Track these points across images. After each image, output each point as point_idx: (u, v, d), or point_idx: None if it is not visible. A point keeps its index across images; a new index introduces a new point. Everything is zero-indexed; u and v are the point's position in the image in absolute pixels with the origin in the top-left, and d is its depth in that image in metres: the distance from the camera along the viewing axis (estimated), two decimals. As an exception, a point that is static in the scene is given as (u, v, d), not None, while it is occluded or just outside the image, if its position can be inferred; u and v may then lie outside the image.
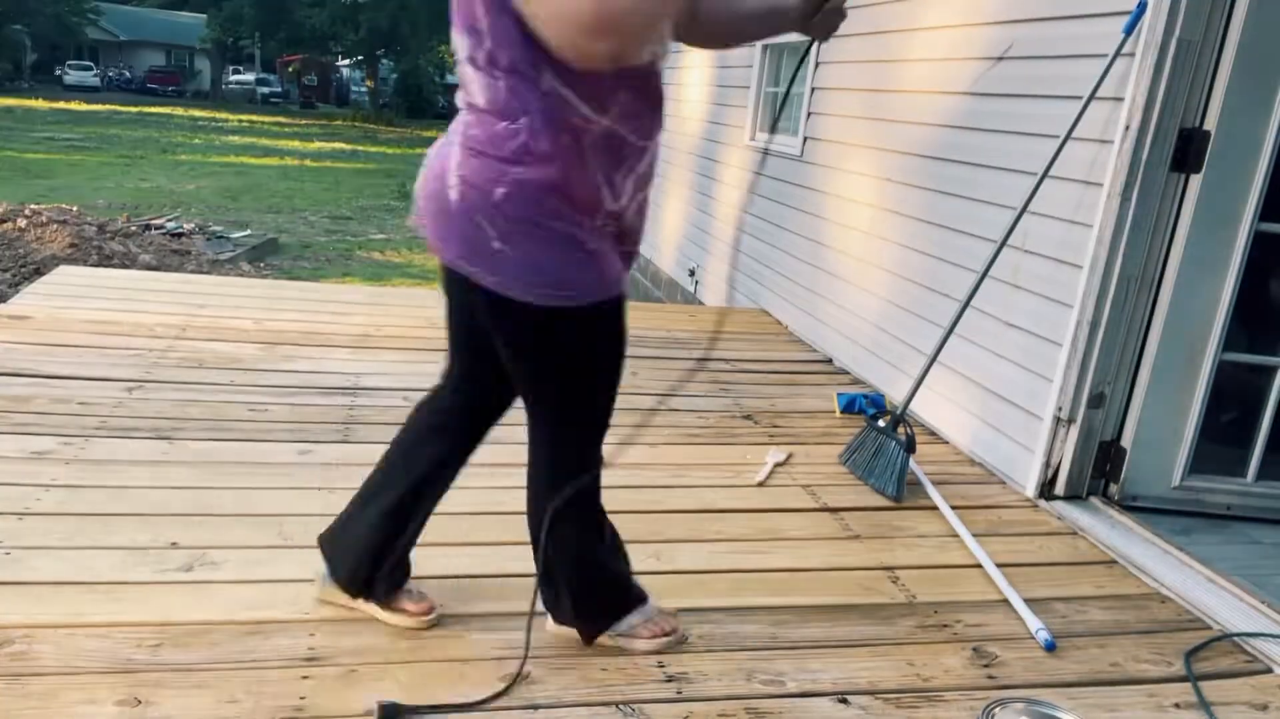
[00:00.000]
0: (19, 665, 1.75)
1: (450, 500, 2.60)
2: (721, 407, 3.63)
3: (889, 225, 3.96)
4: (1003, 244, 3.02)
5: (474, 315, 1.76)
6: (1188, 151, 2.63)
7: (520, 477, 2.78)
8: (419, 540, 2.35)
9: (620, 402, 3.50)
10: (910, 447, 2.89)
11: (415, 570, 2.20)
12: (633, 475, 2.90)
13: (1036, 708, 1.86)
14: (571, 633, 1.98)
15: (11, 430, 2.80)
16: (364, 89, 46.14)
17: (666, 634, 2.01)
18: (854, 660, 2.01)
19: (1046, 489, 2.94)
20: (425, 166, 1.77)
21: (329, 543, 2.02)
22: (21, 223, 8.78)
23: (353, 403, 3.29)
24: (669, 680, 1.88)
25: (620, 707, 1.79)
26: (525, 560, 2.31)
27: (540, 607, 1.97)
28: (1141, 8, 2.62)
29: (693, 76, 6.82)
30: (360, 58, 43.15)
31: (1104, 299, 2.74)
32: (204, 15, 42.48)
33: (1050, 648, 2.11)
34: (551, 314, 1.64)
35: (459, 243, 1.67)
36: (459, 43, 1.60)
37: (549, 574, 1.92)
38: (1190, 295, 2.72)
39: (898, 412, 3.06)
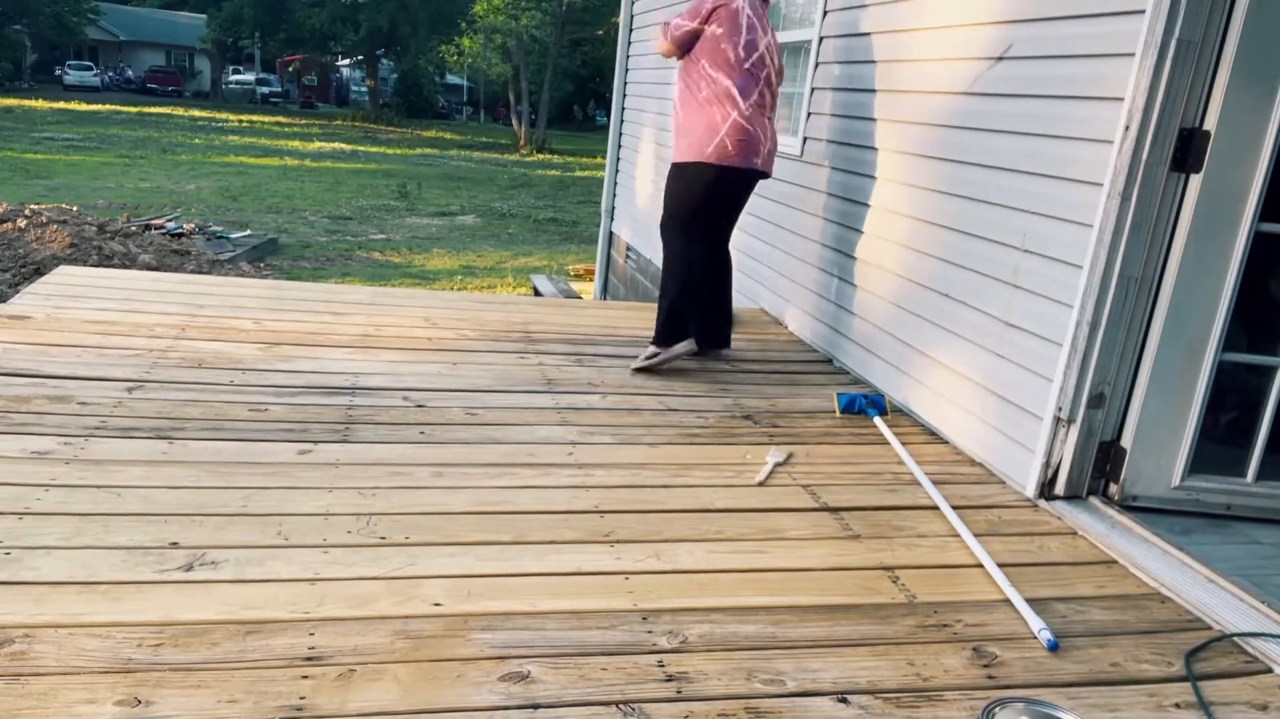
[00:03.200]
0: (19, 665, 1.75)
1: (451, 500, 2.61)
2: (721, 407, 3.63)
3: (890, 225, 3.96)
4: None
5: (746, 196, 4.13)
6: (1188, 151, 2.64)
7: (520, 477, 2.80)
8: (421, 539, 2.37)
9: (623, 402, 3.53)
10: None
11: (414, 569, 2.21)
12: (633, 475, 2.90)
13: (1036, 708, 1.86)
14: (578, 636, 2.00)
15: (11, 430, 2.80)
16: (364, 89, 46.18)
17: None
18: (854, 660, 2.01)
19: (1046, 489, 2.94)
20: (766, 132, 4.00)
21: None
22: (21, 223, 8.78)
23: (352, 403, 3.29)
24: (669, 680, 1.88)
25: (620, 706, 1.79)
26: (525, 560, 2.32)
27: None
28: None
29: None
30: (360, 58, 43.20)
31: (1104, 299, 2.74)
32: (204, 15, 42.50)
33: (1053, 648, 2.11)
34: None
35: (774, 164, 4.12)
36: (777, 65, 4.05)
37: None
38: (1190, 295, 2.72)
39: None
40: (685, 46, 3.92)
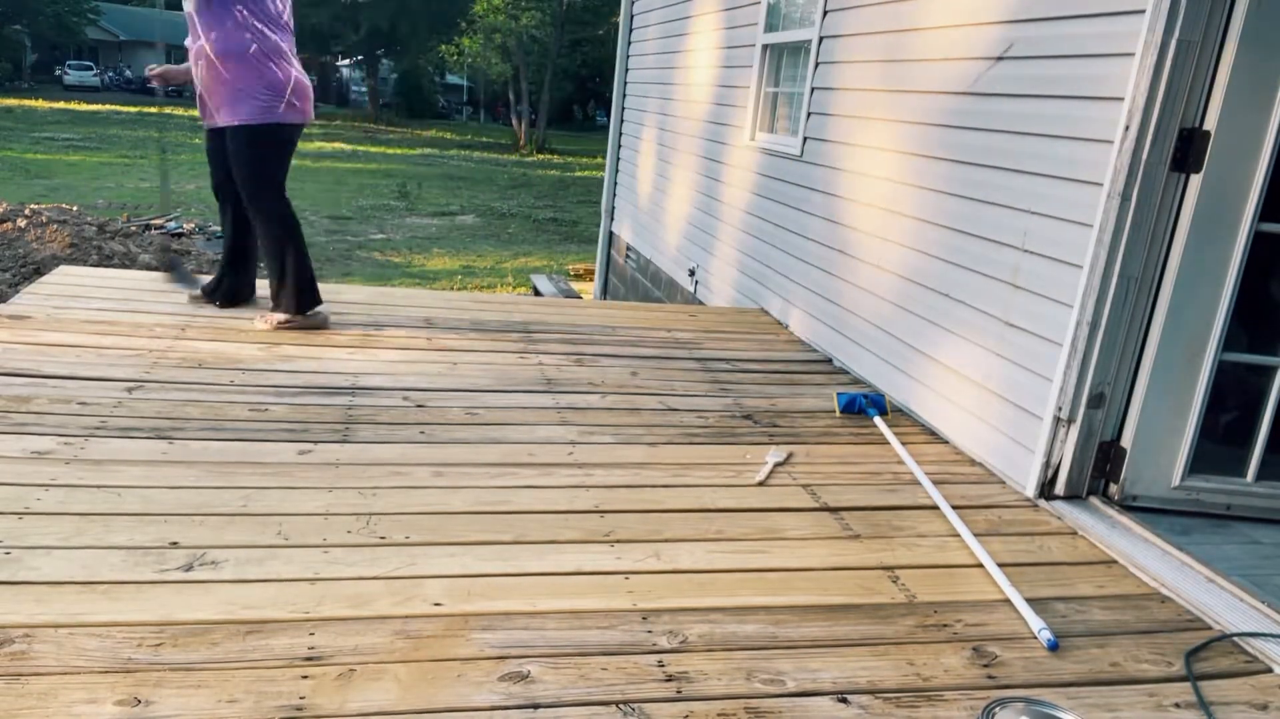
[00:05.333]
0: (19, 665, 1.75)
1: (450, 500, 2.61)
2: (721, 406, 3.63)
3: (889, 225, 3.96)
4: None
5: None
6: (1188, 151, 2.64)
7: (520, 477, 2.80)
8: (421, 539, 2.37)
9: (623, 402, 3.53)
10: None
11: (414, 569, 2.21)
12: (633, 475, 2.90)
13: (1036, 708, 1.86)
14: (578, 636, 2.00)
15: (11, 430, 2.80)
16: (364, 89, 46.15)
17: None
18: (854, 660, 2.01)
19: (1046, 489, 2.94)
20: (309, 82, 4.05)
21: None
22: (21, 223, 8.78)
23: (352, 403, 3.29)
24: (669, 680, 1.88)
25: (620, 706, 1.79)
26: (525, 559, 2.32)
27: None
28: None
29: (696, 77, 6.82)
30: (360, 58, 43.16)
31: (1104, 299, 2.74)
32: (204, 15, 42.38)
33: (1053, 648, 2.11)
34: None
35: None
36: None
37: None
38: (1190, 295, 2.72)
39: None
40: None
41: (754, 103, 5.59)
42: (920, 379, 3.65)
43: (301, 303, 4.07)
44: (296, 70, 3.93)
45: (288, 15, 3.96)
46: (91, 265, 7.88)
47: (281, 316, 4.05)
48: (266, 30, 3.80)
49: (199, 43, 3.80)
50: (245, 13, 3.75)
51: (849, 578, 2.38)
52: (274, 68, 3.84)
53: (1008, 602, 2.31)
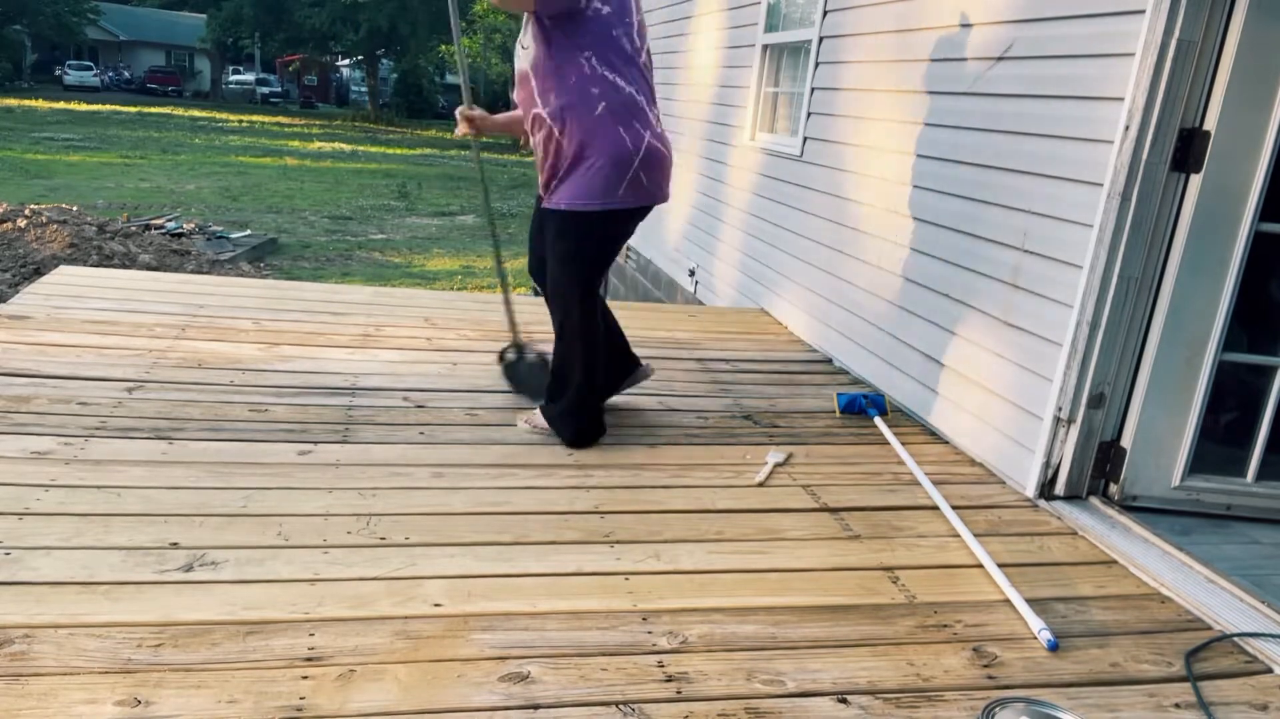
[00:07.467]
0: (19, 665, 1.75)
1: (450, 501, 2.61)
2: (721, 407, 3.63)
3: (889, 225, 3.96)
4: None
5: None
6: (1188, 151, 2.64)
7: (519, 478, 2.79)
8: (421, 540, 2.37)
9: (621, 401, 3.52)
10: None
11: (414, 570, 2.21)
12: (632, 476, 2.90)
13: (1036, 708, 1.86)
14: (578, 637, 2.00)
15: (11, 430, 2.80)
16: (364, 89, 46.17)
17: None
18: (854, 660, 2.01)
19: (1046, 489, 2.94)
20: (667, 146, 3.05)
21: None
22: (21, 223, 8.78)
23: (352, 403, 3.29)
24: (669, 680, 1.88)
25: (620, 707, 1.79)
26: (525, 560, 2.32)
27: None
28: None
29: (696, 77, 6.82)
30: (360, 58, 43.17)
31: (1104, 299, 2.74)
32: (204, 15, 42.49)
33: (1053, 648, 2.11)
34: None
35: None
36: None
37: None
38: (1190, 295, 2.72)
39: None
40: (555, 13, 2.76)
41: (754, 103, 5.59)
42: (920, 379, 3.65)
43: (579, 435, 3.09)
44: (650, 133, 2.93)
45: (645, 52, 2.95)
46: (91, 265, 7.89)
47: (542, 423, 3.18)
48: (619, 80, 2.85)
49: (536, 109, 2.91)
50: (594, 60, 2.81)
51: (849, 578, 2.38)
52: (622, 133, 2.87)
53: (1008, 602, 2.31)
